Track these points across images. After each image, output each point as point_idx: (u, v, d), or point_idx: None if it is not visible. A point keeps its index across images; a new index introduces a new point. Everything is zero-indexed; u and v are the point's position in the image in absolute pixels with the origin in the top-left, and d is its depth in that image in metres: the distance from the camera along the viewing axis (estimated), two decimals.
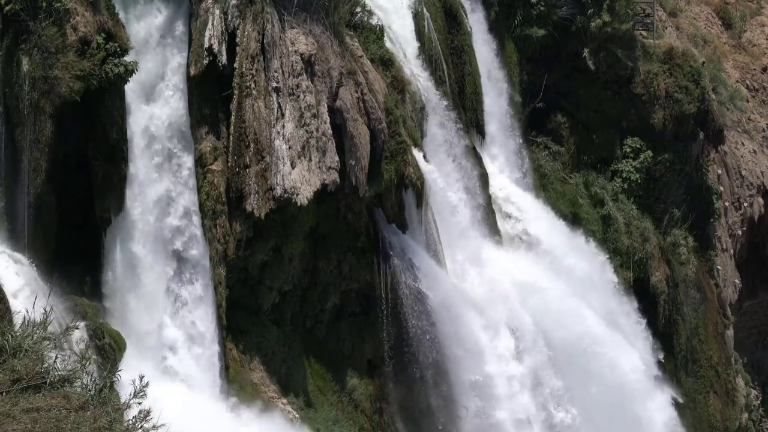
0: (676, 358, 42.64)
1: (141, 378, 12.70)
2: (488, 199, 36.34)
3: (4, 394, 12.53)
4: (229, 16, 28.32)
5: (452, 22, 36.93)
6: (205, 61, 27.86)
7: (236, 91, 28.24)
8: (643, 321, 40.19)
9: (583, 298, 37.14)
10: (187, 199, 27.58)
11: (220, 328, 28.05)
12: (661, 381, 39.98)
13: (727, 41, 53.26)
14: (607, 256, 40.43)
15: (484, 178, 36.20)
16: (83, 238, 26.24)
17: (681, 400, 40.35)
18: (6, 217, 24.57)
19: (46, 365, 13.13)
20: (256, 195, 28.19)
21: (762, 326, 52.35)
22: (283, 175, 28.31)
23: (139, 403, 12.56)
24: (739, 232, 48.32)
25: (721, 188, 46.44)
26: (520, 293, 35.33)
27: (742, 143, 49.63)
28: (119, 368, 17.57)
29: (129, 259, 26.68)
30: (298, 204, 28.56)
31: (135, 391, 12.48)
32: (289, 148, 28.55)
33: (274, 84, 28.64)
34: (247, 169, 28.21)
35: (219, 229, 28.13)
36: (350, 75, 30.21)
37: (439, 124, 34.88)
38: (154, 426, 12.66)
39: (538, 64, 41.26)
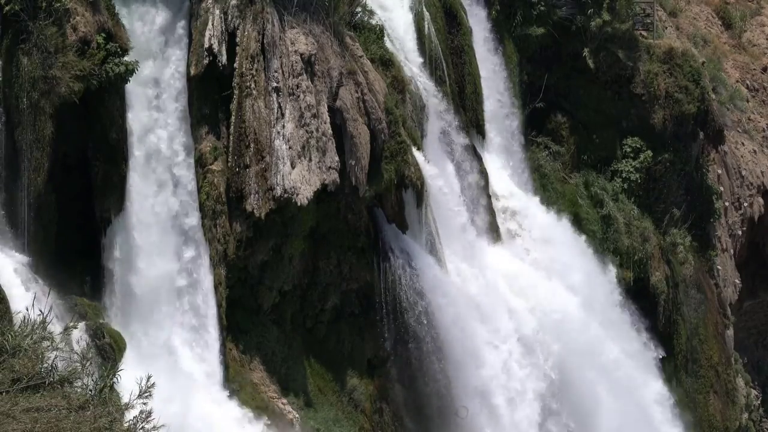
0: (676, 358, 42.62)
1: (148, 378, 12.63)
2: (488, 199, 36.33)
3: (3, 393, 12.51)
4: (229, 16, 28.30)
5: (452, 22, 36.91)
6: (205, 61, 27.84)
7: (236, 91, 28.23)
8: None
9: (581, 296, 37.16)
10: None
11: (220, 328, 28.03)
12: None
13: (727, 41, 53.24)
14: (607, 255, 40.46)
15: (483, 178, 36.19)
16: (83, 238, 26.24)
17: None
18: (6, 217, 24.56)
19: (45, 365, 13.10)
20: (256, 195, 28.17)
21: (762, 326, 52.32)
22: (283, 175, 28.29)
23: (144, 404, 12.50)
24: (739, 232, 48.29)
25: (721, 188, 46.41)
26: (519, 293, 35.34)
27: (742, 143, 49.61)
28: (120, 368, 17.55)
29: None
30: (298, 204, 28.54)
31: (140, 391, 12.41)
32: (289, 148, 28.53)
33: (274, 84, 28.62)
34: (247, 169, 28.20)
35: (219, 229, 28.11)
36: (350, 75, 30.19)
37: (439, 123, 34.86)
38: (154, 427, 12.62)
39: (538, 64, 41.23)
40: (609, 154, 42.46)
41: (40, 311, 13.49)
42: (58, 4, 24.45)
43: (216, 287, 28.02)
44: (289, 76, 28.87)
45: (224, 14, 28.24)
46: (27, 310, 13.96)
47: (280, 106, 28.67)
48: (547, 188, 40.35)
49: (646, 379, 39.07)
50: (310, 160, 28.88)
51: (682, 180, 43.46)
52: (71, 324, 14.40)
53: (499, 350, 33.75)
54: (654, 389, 39.42)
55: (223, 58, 28.02)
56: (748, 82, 51.98)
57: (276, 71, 28.64)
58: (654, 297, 41.79)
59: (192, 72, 27.73)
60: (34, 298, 20.94)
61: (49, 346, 13.09)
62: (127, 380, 13.87)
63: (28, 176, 24.48)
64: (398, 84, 32.99)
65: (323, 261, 31.20)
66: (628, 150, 42.48)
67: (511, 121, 39.60)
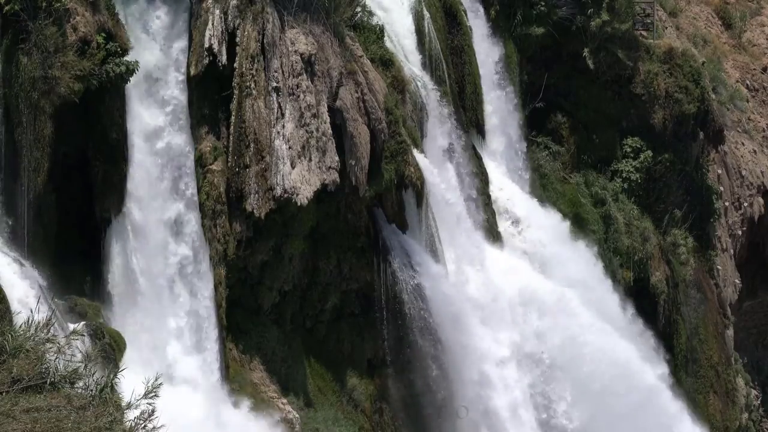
0: (676, 358, 42.63)
1: (156, 378, 12.61)
2: (488, 199, 36.32)
3: (4, 394, 12.50)
4: (229, 16, 28.30)
5: (452, 22, 36.91)
6: (206, 61, 27.83)
7: (236, 91, 28.22)
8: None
9: (580, 296, 37.15)
10: None
11: (220, 328, 28.03)
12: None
13: (727, 41, 53.25)
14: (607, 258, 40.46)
15: (483, 178, 36.18)
16: (83, 238, 26.23)
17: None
18: (6, 217, 24.55)
19: (46, 365, 13.08)
20: (256, 195, 28.17)
21: (762, 326, 52.33)
22: (283, 175, 28.29)
23: (150, 403, 12.49)
24: (739, 232, 48.30)
25: (721, 188, 46.44)
26: (519, 293, 35.33)
27: (742, 143, 49.62)
28: (120, 368, 17.55)
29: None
30: (298, 204, 28.54)
31: (146, 391, 12.40)
32: (289, 148, 28.53)
33: (274, 84, 28.62)
34: (247, 169, 28.19)
35: (219, 229, 28.10)
36: (350, 75, 30.19)
37: (439, 123, 34.85)
38: (154, 427, 12.60)
39: (538, 64, 41.24)
40: (609, 154, 42.48)
41: (50, 315, 13.47)
42: (58, 4, 24.43)
43: (216, 287, 28.01)
44: (289, 76, 28.88)
45: (224, 14, 28.23)
46: (31, 312, 13.94)
47: (280, 106, 28.67)
48: (547, 188, 40.36)
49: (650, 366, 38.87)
50: (310, 160, 28.89)
51: (682, 180, 43.48)
52: (78, 330, 14.38)
53: (499, 349, 33.74)
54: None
55: (223, 58, 28.01)
56: (748, 82, 51.98)
57: (276, 71, 28.64)
58: (654, 297, 41.80)
59: (192, 72, 27.71)
60: (35, 298, 20.96)
61: (51, 348, 13.08)
62: (128, 380, 13.85)
63: (28, 176, 24.47)
64: (398, 84, 32.98)
65: (323, 261, 31.19)
66: (628, 150, 42.49)
67: (511, 121, 39.60)
